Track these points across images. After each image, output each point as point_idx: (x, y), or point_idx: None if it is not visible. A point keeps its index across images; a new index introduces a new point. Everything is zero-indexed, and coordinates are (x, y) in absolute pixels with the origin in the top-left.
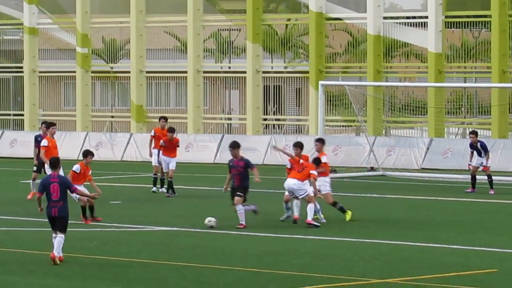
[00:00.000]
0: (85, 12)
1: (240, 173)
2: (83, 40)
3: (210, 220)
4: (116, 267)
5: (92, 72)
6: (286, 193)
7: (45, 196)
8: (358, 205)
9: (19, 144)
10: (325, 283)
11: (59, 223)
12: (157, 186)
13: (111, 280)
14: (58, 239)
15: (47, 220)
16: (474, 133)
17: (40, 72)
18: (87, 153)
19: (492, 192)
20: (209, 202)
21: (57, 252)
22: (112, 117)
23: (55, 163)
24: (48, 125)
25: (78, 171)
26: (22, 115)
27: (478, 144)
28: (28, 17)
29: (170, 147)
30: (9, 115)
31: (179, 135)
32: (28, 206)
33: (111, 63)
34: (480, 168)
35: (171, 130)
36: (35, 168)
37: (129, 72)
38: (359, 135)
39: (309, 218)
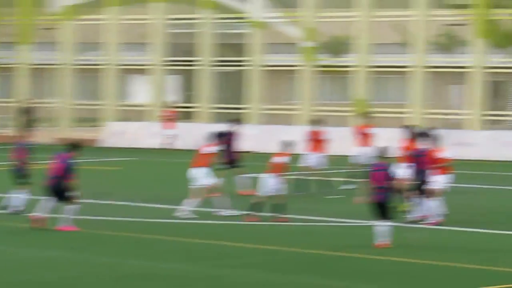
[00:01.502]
0: (312, 6)
1: None
2: (309, 34)
3: None
4: (328, 261)
5: (318, 66)
6: None
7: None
8: None
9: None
10: None
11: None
12: None
13: (324, 275)
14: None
15: None
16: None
17: (265, 66)
18: None
19: None
20: None
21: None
22: (333, 111)
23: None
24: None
25: None
26: (247, 108)
27: None
28: (255, 11)
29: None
30: (234, 108)
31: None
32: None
33: (336, 57)
34: None
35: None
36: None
37: (354, 66)
38: None
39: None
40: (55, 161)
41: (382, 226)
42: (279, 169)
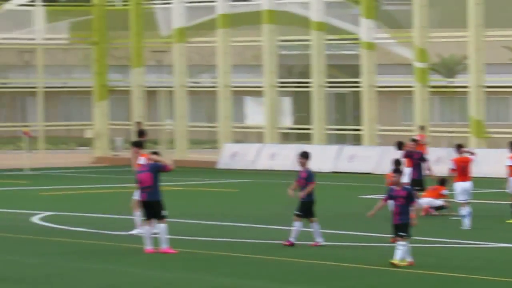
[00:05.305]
0: (423, 26)
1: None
2: (421, 55)
3: None
4: (455, 284)
5: (430, 87)
6: None
7: None
8: None
9: (358, 159)
10: None
11: None
12: None
13: None
14: None
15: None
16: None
17: (377, 87)
18: None
19: None
20: None
21: None
22: (451, 132)
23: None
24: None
25: None
26: (360, 130)
27: None
28: (365, 31)
29: None
30: (347, 130)
31: None
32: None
33: (450, 77)
34: None
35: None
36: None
37: (468, 87)
38: None
39: None
40: None
41: None
42: None
